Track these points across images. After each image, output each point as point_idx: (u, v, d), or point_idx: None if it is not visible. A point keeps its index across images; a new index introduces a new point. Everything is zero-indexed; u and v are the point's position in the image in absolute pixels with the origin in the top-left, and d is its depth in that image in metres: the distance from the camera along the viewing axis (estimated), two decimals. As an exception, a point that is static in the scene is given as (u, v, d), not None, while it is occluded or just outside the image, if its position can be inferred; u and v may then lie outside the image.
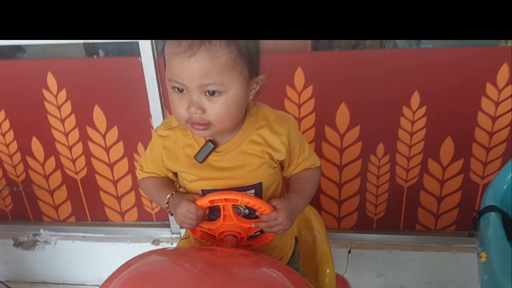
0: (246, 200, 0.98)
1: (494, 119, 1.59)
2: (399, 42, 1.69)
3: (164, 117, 1.72)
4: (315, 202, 1.80)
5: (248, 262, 0.92)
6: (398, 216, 1.83)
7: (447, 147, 1.66)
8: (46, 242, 1.97)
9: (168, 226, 1.94)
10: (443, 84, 1.57)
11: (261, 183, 1.04)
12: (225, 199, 0.98)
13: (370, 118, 1.65)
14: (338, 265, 1.77)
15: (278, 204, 1.00)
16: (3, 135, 1.85)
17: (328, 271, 1.22)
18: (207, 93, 0.91)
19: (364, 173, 1.75)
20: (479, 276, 1.12)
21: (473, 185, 1.71)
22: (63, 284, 2.05)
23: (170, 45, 0.91)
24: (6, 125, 1.83)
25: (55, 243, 1.97)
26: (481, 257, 1.05)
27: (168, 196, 1.07)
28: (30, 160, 1.88)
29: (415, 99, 1.60)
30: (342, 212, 1.84)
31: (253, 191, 1.04)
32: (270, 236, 1.04)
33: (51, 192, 1.94)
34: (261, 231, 1.05)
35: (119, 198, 1.93)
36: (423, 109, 1.61)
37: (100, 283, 2.20)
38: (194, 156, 1.02)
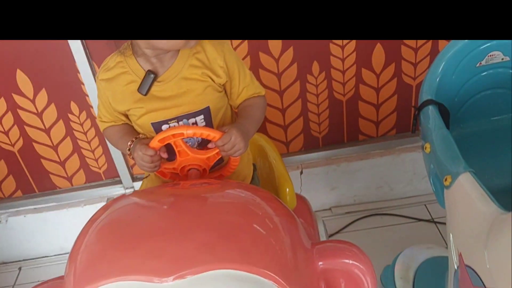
0: (191, 131, 1.00)
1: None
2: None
3: (92, 69, 1.64)
4: (263, 131, 1.83)
5: (213, 188, 0.95)
6: (341, 130, 1.89)
7: (378, 54, 1.70)
8: (-5, 221, 1.90)
9: (120, 182, 1.91)
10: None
11: (208, 107, 1.06)
12: (173, 135, 1.00)
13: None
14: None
15: (226, 128, 1.02)
16: None
17: (288, 189, 1.26)
18: None
19: (303, 94, 1.78)
20: (426, 167, 1.18)
21: (407, 87, 1.78)
22: (23, 260, 1.99)
23: None
24: None
25: (6, 220, 1.90)
26: (425, 148, 1.11)
27: (129, 143, 1.07)
28: (-42, 141, 1.77)
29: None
30: (289, 136, 1.88)
31: (202, 116, 1.06)
32: (235, 161, 1.07)
33: (-11, 170, 1.85)
34: (221, 160, 1.08)
35: (62, 163, 1.87)
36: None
37: (61, 252, 2.15)
38: (138, 90, 1.03)
